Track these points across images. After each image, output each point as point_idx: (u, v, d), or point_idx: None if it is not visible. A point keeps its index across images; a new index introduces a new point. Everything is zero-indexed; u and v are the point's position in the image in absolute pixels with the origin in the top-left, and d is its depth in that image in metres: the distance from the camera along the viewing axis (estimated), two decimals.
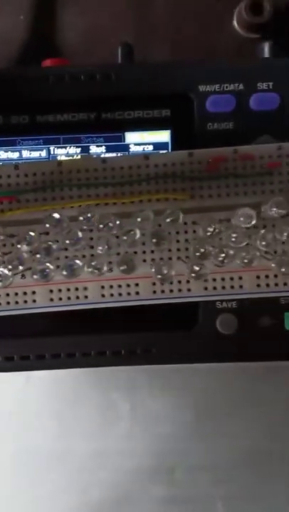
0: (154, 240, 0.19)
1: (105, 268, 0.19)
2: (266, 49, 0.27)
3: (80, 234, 0.19)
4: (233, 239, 0.19)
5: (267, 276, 0.21)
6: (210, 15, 0.31)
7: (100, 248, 0.19)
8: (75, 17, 0.31)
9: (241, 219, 0.19)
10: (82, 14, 0.31)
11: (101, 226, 0.18)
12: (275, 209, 0.19)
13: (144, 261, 0.21)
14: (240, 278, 0.21)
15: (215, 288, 0.22)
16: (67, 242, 0.19)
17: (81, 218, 0.19)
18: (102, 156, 0.24)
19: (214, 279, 0.22)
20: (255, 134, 0.23)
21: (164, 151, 0.24)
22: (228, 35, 0.30)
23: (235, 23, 0.30)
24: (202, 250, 0.19)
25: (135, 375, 0.41)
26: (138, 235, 0.19)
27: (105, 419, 0.42)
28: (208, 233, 0.19)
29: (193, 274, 0.19)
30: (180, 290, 0.22)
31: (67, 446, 0.41)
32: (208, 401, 0.41)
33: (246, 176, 0.21)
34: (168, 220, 0.19)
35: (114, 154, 0.24)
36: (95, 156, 0.24)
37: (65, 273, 0.19)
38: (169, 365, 0.26)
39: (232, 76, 0.23)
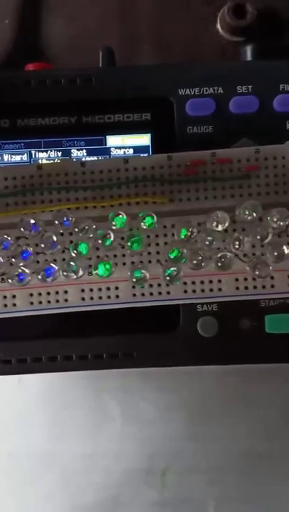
0: (128, 244, 0.19)
1: (81, 272, 0.19)
2: (248, 52, 0.28)
3: (54, 238, 0.19)
4: (207, 242, 0.19)
5: (246, 279, 0.21)
6: (194, 19, 0.31)
7: (75, 252, 0.19)
8: (60, 22, 0.32)
9: (214, 223, 0.19)
10: (67, 19, 0.31)
11: (76, 230, 0.18)
12: (247, 212, 0.19)
13: (124, 264, 0.21)
14: (220, 281, 0.22)
15: (194, 291, 0.22)
16: (43, 246, 0.19)
17: (56, 222, 0.19)
18: (83, 159, 0.24)
19: (193, 282, 0.22)
20: (235, 137, 0.23)
21: (145, 155, 0.24)
22: (212, 38, 0.30)
23: (218, 26, 0.31)
24: (174, 254, 0.19)
25: (127, 376, 0.41)
26: (112, 238, 0.19)
27: (97, 421, 0.42)
28: (183, 236, 0.19)
29: (167, 278, 0.19)
30: (160, 293, 0.22)
31: (58, 449, 0.41)
32: (200, 402, 0.41)
33: (224, 179, 0.21)
34: (142, 223, 0.19)
35: (95, 158, 0.24)
36: (75, 159, 0.24)
37: (40, 277, 0.19)
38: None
39: (211, 79, 0.23)
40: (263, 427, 0.40)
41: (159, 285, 0.22)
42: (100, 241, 0.19)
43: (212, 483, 0.42)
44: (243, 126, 0.23)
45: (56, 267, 0.19)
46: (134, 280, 0.19)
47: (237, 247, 0.19)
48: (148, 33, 0.31)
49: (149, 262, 0.21)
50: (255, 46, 0.27)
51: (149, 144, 0.24)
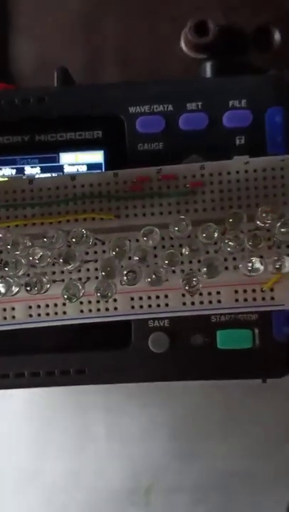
0: (61, 260, 0.19)
1: (14, 288, 0.19)
2: (208, 69, 0.28)
3: None
4: (137, 257, 0.19)
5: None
6: (158, 37, 0.31)
7: (6, 269, 0.19)
8: (27, 42, 0.32)
9: (144, 238, 0.19)
10: (34, 39, 0.32)
11: (8, 247, 0.19)
12: (176, 228, 0.19)
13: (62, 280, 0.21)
14: (166, 296, 0.21)
15: (141, 307, 0.22)
16: None
17: None
18: (36, 176, 0.24)
19: (140, 298, 0.22)
20: (185, 153, 0.23)
21: (98, 171, 0.24)
22: (176, 56, 0.31)
23: (182, 44, 0.31)
24: (108, 269, 0.19)
25: (111, 394, 0.41)
26: (40, 255, 0.19)
27: (81, 438, 0.42)
28: (114, 253, 0.19)
29: (98, 294, 0.19)
30: (107, 309, 0.22)
31: (42, 466, 0.41)
32: (184, 421, 0.41)
33: (170, 195, 0.21)
34: (73, 240, 0.19)
35: (48, 175, 0.24)
36: (26, 177, 0.24)
37: None
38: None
39: (161, 97, 0.24)
40: (249, 447, 0.39)
41: (107, 301, 0.22)
42: (30, 258, 0.19)
43: (196, 502, 0.41)
44: (193, 143, 0.23)
45: None
46: (66, 297, 0.19)
47: (166, 262, 0.19)
48: (112, 53, 0.31)
49: (88, 278, 0.21)
50: (215, 63, 0.28)
51: (103, 161, 0.24)
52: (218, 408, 0.40)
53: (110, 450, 0.40)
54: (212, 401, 0.40)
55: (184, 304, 0.21)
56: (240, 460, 0.40)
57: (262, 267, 0.19)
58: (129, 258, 0.20)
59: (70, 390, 0.41)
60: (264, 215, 0.19)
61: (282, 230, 0.19)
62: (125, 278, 0.19)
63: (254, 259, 0.19)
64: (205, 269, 0.18)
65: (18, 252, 0.19)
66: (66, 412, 0.41)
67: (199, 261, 0.19)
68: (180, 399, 0.40)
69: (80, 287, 0.19)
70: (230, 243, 0.19)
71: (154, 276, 0.19)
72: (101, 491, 0.41)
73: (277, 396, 0.37)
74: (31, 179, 0.22)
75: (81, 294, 0.19)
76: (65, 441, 0.41)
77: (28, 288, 0.19)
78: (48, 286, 0.19)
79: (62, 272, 0.22)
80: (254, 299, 0.21)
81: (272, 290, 0.21)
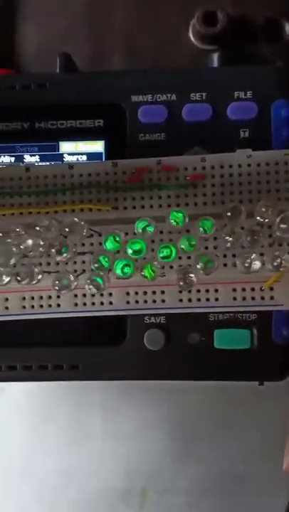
0: (53, 251, 0.18)
1: (5, 278, 0.18)
2: (215, 59, 0.27)
3: None
4: (130, 250, 0.18)
5: (189, 291, 0.21)
6: (165, 26, 0.30)
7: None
8: (32, 29, 0.32)
9: (140, 231, 0.18)
10: (39, 26, 0.31)
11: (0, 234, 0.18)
12: (172, 220, 0.18)
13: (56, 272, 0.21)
14: (163, 292, 0.21)
15: (137, 302, 0.21)
16: None
17: None
18: (36, 165, 0.24)
19: (136, 293, 0.21)
20: (188, 145, 0.22)
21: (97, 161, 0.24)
22: (184, 47, 0.30)
23: (190, 35, 0.30)
24: (96, 265, 0.18)
25: (107, 392, 0.41)
26: (30, 244, 0.18)
27: (75, 436, 0.41)
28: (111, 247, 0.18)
29: (90, 286, 0.19)
30: (102, 303, 0.21)
31: (36, 463, 0.41)
32: (181, 421, 0.41)
33: (169, 187, 0.21)
34: (66, 229, 0.18)
35: (47, 163, 0.24)
36: (21, 164, 0.24)
37: None
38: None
39: (164, 86, 0.23)
40: (245, 449, 0.39)
41: (102, 295, 0.21)
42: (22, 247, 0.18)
43: (191, 504, 0.41)
44: (196, 134, 0.23)
45: None
46: (57, 288, 0.18)
47: (162, 256, 0.18)
48: (119, 42, 0.30)
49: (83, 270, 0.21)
50: (223, 54, 0.27)
51: (103, 150, 0.24)
52: (215, 410, 0.40)
53: (105, 449, 0.40)
54: (209, 402, 0.40)
55: (181, 300, 0.21)
56: (235, 464, 0.39)
57: (259, 264, 0.18)
58: (125, 252, 0.20)
59: (65, 387, 0.41)
60: (263, 209, 0.18)
61: (282, 226, 0.18)
62: (120, 272, 0.18)
63: (252, 256, 0.18)
64: (202, 264, 0.18)
65: (9, 241, 0.18)
66: (61, 409, 0.40)
67: (196, 257, 0.19)
68: (177, 399, 0.40)
69: (72, 278, 0.18)
70: (228, 238, 0.18)
71: (150, 270, 0.18)
72: (94, 490, 0.41)
73: (274, 399, 0.36)
74: (28, 167, 0.21)
75: (73, 286, 0.18)
76: (60, 439, 0.40)
77: (19, 278, 0.18)
78: (40, 277, 0.19)
79: (58, 264, 0.21)
80: (253, 298, 0.21)
81: (271, 289, 0.21)
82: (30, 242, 0.18)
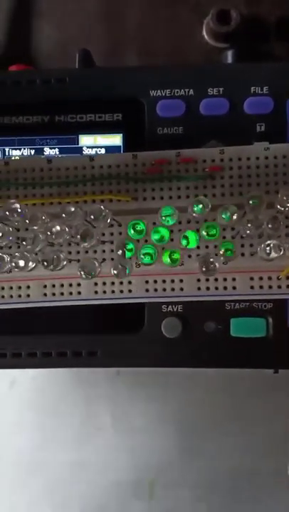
0: (78, 237, 0.19)
1: (31, 264, 0.19)
2: (229, 56, 0.28)
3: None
4: (153, 238, 0.19)
5: (207, 280, 0.21)
6: (180, 25, 0.31)
7: (24, 243, 0.19)
8: (49, 27, 0.32)
9: (163, 217, 0.19)
10: (56, 25, 0.32)
11: (27, 221, 0.19)
12: (195, 209, 0.19)
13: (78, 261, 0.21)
14: (181, 281, 0.21)
15: (156, 290, 0.21)
16: None
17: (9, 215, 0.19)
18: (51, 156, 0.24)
19: (155, 281, 0.21)
20: (205, 138, 0.23)
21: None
22: (198, 45, 0.31)
23: (204, 33, 0.31)
24: (120, 252, 0.19)
25: (117, 385, 0.41)
26: (57, 230, 0.19)
27: (86, 430, 0.42)
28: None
29: (114, 272, 0.19)
30: (121, 291, 0.22)
31: (46, 457, 0.41)
32: (191, 414, 0.41)
33: (188, 178, 0.21)
34: (91, 216, 0.19)
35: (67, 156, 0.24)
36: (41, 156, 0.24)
37: None
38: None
39: (182, 81, 0.23)
40: (256, 444, 0.39)
41: (121, 283, 0.22)
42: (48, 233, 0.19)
43: (200, 498, 0.41)
44: (214, 128, 0.23)
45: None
46: (82, 274, 0.19)
47: (185, 243, 0.19)
48: (134, 40, 0.31)
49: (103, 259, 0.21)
50: (236, 51, 0.27)
51: (121, 144, 0.24)
52: (225, 404, 0.40)
53: (115, 442, 0.40)
54: (219, 398, 0.40)
55: (199, 288, 0.21)
56: (245, 458, 0.40)
57: (280, 252, 0.19)
58: (146, 241, 0.20)
59: (76, 381, 0.41)
60: (285, 198, 0.19)
61: None
62: (144, 259, 0.18)
63: (272, 243, 0.19)
64: (222, 251, 0.18)
65: (36, 227, 0.19)
66: (71, 403, 0.41)
67: (216, 246, 0.19)
68: (187, 392, 0.40)
69: (97, 264, 0.19)
70: (249, 225, 0.19)
71: (172, 256, 0.18)
72: (104, 483, 0.41)
73: (283, 394, 0.37)
74: (50, 159, 0.22)
75: (98, 272, 0.19)
76: (70, 433, 0.41)
77: (46, 263, 0.19)
78: (64, 263, 0.19)
79: (78, 252, 0.21)
80: (270, 287, 0.21)
81: (288, 278, 0.21)
82: (57, 227, 0.18)
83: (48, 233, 0.18)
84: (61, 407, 0.41)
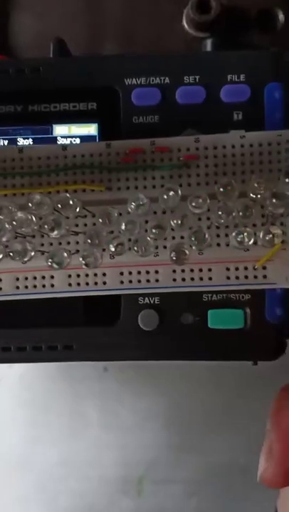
0: (46, 227, 0.18)
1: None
2: (209, 46, 0.27)
3: None
4: (124, 227, 0.18)
5: (183, 271, 0.21)
6: (159, 14, 0.31)
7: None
8: (28, 17, 0.32)
9: (132, 207, 0.18)
10: (35, 15, 0.32)
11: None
12: (165, 197, 0.18)
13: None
14: (157, 272, 0.21)
15: (131, 282, 0.21)
16: None
17: None
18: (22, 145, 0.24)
19: (130, 273, 0.21)
20: (182, 127, 0.23)
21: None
22: (178, 35, 0.30)
23: (184, 23, 0.30)
24: (89, 241, 0.19)
25: (105, 382, 0.41)
26: (22, 219, 0.18)
27: (74, 426, 0.41)
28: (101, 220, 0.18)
29: (83, 262, 0.19)
30: (96, 283, 0.21)
31: (35, 453, 0.41)
32: (180, 410, 0.41)
33: (163, 168, 0.21)
34: (59, 205, 0.18)
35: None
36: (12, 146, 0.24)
37: None
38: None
39: (158, 69, 0.23)
40: (246, 440, 0.39)
41: (95, 275, 0.21)
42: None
43: (189, 494, 0.41)
44: (190, 117, 0.23)
45: None
46: (50, 264, 0.18)
47: (155, 232, 0.18)
48: (113, 30, 0.31)
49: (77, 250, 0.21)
50: (216, 40, 0.27)
51: (96, 133, 0.24)
52: (215, 400, 0.40)
53: (103, 439, 0.40)
54: (209, 392, 0.40)
55: (175, 280, 0.21)
56: (236, 454, 0.39)
57: (252, 239, 0.18)
58: (119, 231, 0.20)
59: (64, 377, 0.41)
60: (256, 185, 0.18)
61: (274, 201, 0.18)
62: (113, 249, 0.18)
63: (244, 232, 0.19)
64: (193, 238, 0.18)
65: (1, 217, 0.18)
66: (60, 400, 0.40)
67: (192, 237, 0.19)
68: (177, 388, 0.40)
69: (66, 255, 0.18)
70: (220, 214, 0.18)
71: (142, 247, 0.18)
72: (93, 480, 0.41)
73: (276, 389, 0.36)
74: (21, 148, 0.21)
75: (66, 262, 0.18)
76: (58, 430, 0.40)
77: (12, 254, 0.18)
78: (33, 254, 0.19)
79: (51, 244, 0.21)
80: (246, 277, 0.21)
81: (264, 268, 0.21)
82: (19, 214, 0.18)
83: (14, 223, 0.18)
84: (49, 404, 0.40)
